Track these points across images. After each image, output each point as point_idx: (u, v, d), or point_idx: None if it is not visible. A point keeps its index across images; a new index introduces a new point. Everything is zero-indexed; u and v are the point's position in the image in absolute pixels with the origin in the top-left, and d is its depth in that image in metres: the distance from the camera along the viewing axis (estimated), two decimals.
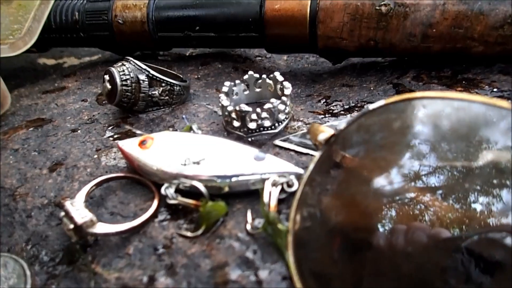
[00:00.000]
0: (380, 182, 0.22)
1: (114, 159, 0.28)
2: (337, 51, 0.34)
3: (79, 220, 0.22)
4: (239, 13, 0.35)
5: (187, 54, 0.44)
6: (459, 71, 0.32)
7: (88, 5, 0.39)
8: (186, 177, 0.24)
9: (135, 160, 0.25)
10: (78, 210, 0.22)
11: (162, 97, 0.32)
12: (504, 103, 0.18)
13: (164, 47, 0.40)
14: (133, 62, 0.31)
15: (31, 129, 0.33)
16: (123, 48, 0.41)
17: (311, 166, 0.21)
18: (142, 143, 0.26)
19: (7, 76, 0.50)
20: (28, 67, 0.53)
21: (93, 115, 0.33)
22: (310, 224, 0.21)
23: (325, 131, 0.22)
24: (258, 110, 0.28)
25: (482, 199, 0.19)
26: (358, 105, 0.31)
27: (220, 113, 0.32)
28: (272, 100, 0.28)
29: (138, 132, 0.29)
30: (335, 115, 0.30)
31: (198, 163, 0.24)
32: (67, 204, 0.22)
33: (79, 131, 0.32)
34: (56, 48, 0.47)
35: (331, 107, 0.31)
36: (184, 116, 0.31)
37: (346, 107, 0.31)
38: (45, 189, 0.26)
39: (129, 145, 0.26)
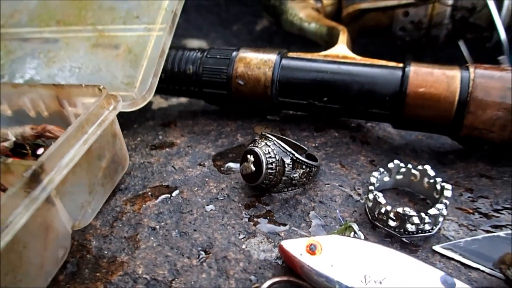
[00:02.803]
0: None
1: (263, 251, 0.27)
2: (479, 141, 0.32)
3: None
4: (376, 89, 0.33)
5: (292, 113, 0.42)
6: None
7: (205, 60, 0.38)
8: None
9: (303, 266, 0.24)
10: None
11: (301, 179, 0.31)
12: None
13: (279, 110, 0.39)
14: (277, 143, 0.30)
15: (159, 200, 0.31)
16: (235, 106, 0.39)
17: None
18: (310, 248, 0.24)
19: None
20: None
21: (222, 189, 0.32)
22: None
23: None
24: (423, 215, 0.26)
25: None
26: (508, 207, 0.30)
27: (354, 196, 0.31)
28: (439, 206, 0.26)
29: (302, 232, 0.28)
30: (487, 216, 0.29)
31: (380, 282, 0.23)
32: None
33: (214, 209, 0.30)
34: None
35: (478, 205, 0.30)
36: (337, 211, 0.30)
37: (496, 207, 0.30)
38: (201, 286, 0.25)
39: (295, 248, 0.25)
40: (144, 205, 0.31)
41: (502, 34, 0.43)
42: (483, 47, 0.48)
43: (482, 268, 0.25)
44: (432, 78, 0.32)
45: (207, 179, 0.33)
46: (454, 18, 0.46)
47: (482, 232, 0.28)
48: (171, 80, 0.39)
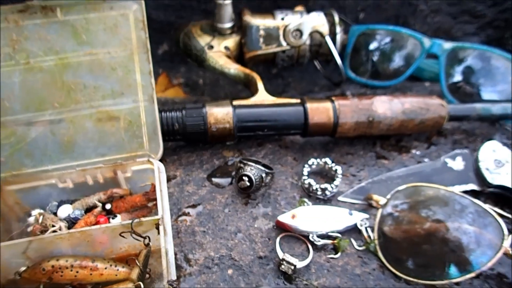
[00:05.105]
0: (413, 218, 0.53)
1: (265, 224, 0.53)
2: (344, 137, 0.63)
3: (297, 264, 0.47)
4: (292, 121, 0.60)
5: None
6: (398, 140, 0.65)
7: (186, 119, 0.58)
8: (322, 230, 0.51)
9: (291, 226, 0.51)
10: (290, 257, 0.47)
11: (269, 182, 0.56)
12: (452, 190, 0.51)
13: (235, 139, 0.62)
14: (256, 166, 0.54)
15: (195, 215, 0.53)
16: (208, 143, 0.61)
17: (379, 215, 0.51)
18: (293, 217, 0.51)
19: None
20: None
21: (226, 197, 0.55)
22: (383, 237, 0.51)
23: (381, 199, 0.52)
24: (333, 184, 0.55)
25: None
26: (361, 168, 0.61)
27: (294, 182, 0.59)
28: (338, 179, 0.56)
29: (287, 210, 0.54)
30: (355, 176, 0.60)
31: (326, 223, 0.51)
32: (287, 256, 0.47)
33: (229, 210, 0.54)
34: None
35: (350, 171, 0.61)
36: (297, 195, 0.56)
37: (357, 170, 0.61)
38: (246, 251, 0.49)
39: (285, 218, 0.51)
40: (188, 220, 0.52)
41: (338, 59, 0.73)
42: (329, 64, 0.80)
43: (359, 202, 0.56)
44: (319, 111, 0.60)
45: (213, 194, 0.56)
46: (311, 51, 0.75)
47: (355, 184, 0.59)
48: (162, 134, 0.58)
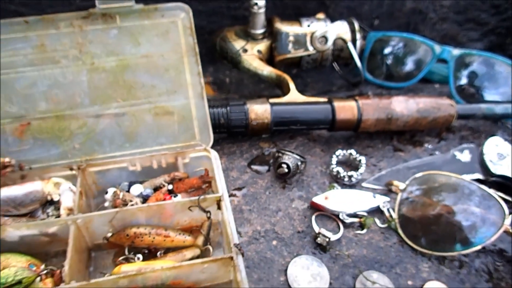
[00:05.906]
0: (427, 202, 0.62)
1: (301, 205, 0.61)
2: (365, 132, 0.72)
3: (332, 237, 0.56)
4: (322, 117, 0.69)
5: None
6: (412, 135, 0.74)
7: (230, 114, 0.66)
8: (350, 210, 0.60)
9: (324, 206, 0.59)
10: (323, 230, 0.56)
11: (303, 169, 0.65)
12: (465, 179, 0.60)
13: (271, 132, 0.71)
14: (292, 155, 0.63)
15: (241, 196, 0.62)
16: (247, 135, 0.70)
17: (399, 198, 0.60)
18: (325, 198, 0.60)
19: None
20: None
21: (266, 182, 0.64)
22: (402, 217, 0.60)
23: (400, 185, 0.61)
24: (358, 172, 0.64)
25: None
26: (381, 159, 0.70)
27: (323, 170, 0.67)
28: (362, 168, 0.65)
29: (319, 193, 0.62)
30: (375, 166, 0.69)
31: (353, 204, 0.60)
32: (323, 230, 0.56)
33: (270, 193, 0.62)
34: None
35: (371, 161, 0.70)
36: (327, 181, 0.65)
37: (377, 161, 0.70)
38: (286, 226, 0.58)
39: (319, 200, 0.60)
40: (236, 200, 0.61)
41: (358, 62, 0.82)
42: (347, 66, 0.88)
43: (380, 187, 0.65)
44: (345, 109, 0.69)
45: (254, 179, 0.65)
46: (333, 55, 0.84)
47: (376, 173, 0.68)
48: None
